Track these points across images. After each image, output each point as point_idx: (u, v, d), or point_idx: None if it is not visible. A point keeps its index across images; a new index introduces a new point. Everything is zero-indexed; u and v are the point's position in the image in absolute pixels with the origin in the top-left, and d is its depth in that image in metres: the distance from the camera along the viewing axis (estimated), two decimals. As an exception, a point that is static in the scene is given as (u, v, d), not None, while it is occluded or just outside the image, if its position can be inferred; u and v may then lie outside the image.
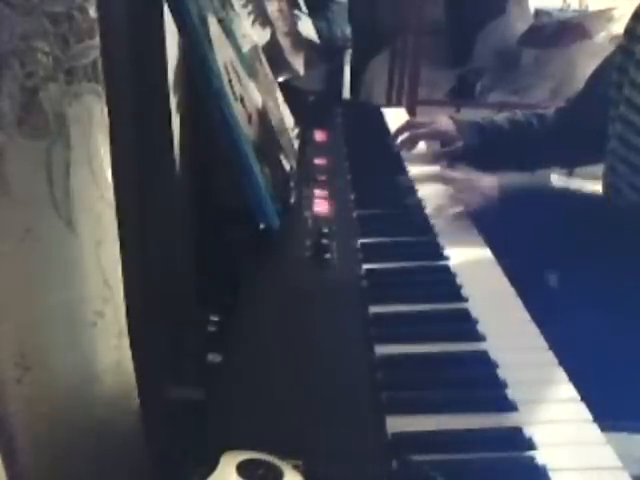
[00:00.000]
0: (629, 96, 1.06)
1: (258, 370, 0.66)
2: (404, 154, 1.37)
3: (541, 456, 0.55)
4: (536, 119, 1.34)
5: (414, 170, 1.27)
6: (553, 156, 1.39)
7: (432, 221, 1.02)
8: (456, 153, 1.35)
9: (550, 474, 0.54)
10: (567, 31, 2.89)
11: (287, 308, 0.77)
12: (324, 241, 0.87)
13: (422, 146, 1.43)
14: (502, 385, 0.64)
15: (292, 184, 1.01)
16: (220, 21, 0.91)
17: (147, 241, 0.78)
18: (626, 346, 0.95)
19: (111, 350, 0.58)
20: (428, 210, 1.07)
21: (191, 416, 0.64)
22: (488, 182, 1.07)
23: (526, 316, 0.77)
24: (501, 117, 1.37)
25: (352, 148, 1.36)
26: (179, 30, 0.80)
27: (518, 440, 0.57)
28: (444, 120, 1.40)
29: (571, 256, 1.02)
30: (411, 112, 2.44)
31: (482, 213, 1.04)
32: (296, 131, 1.22)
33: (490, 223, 1.03)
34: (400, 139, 1.39)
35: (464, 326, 0.74)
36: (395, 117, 1.67)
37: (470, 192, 1.07)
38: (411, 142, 1.39)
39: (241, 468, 0.46)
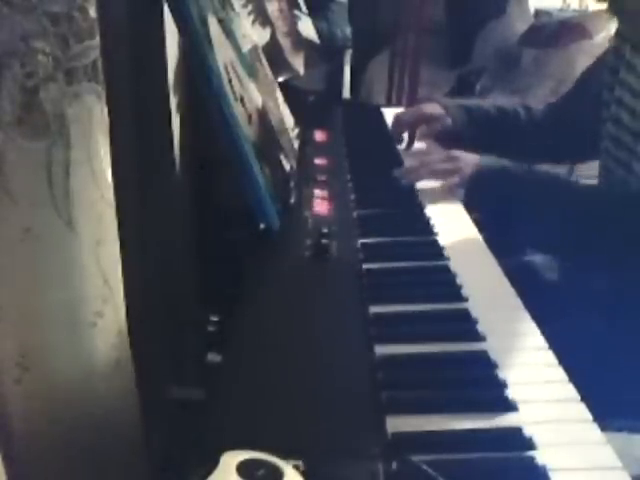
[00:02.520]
0: (620, 97, 1.07)
1: (258, 370, 0.66)
2: (403, 153, 1.38)
3: (541, 456, 0.55)
4: (523, 110, 1.35)
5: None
6: (540, 149, 1.39)
7: (431, 221, 1.02)
8: (445, 131, 1.36)
9: (550, 474, 0.54)
10: (567, 31, 2.89)
11: (287, 308, 0.77)
12: (324, 241, 0.87)
13: (421, 145, 1.44)
14: (502, 385, 0.64)
15: (292, 184, 1.01)
16: (220, 21, 0.91)
17: (147, 241, 0.78)
18: (626, 346, 0.95)
19: (111, 350, 0.58)
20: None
21: (191, 416, 0.64)
22: (470, 158, 1.10)
23: (526, 316, 0.77)
24: (488, 103, 1.39)
25: (352, 148, 1.36)
26: (179, 30, 0.80)
27: (518, 440, 0.57)
28: (429, 104, 1.41)
29: (571, 256, 1.02)
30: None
31: (484, 210, 1.05)
32: (296, 131, 1.22)
33: (490, 220, 1.03)
34: (399, 139, 1.41)
35: (464, 326, 0.74)
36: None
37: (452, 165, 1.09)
38: (405, 129, 1.41)
39: (241, 468, 0.46)
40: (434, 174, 1.13)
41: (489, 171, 1.07)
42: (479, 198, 1.07)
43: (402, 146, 1.41)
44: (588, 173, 1.68)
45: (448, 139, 1.41)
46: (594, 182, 1.23)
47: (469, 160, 1.09)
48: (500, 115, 1.35)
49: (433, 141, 1.41)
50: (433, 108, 1.39)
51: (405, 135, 1.41)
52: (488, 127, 1.35)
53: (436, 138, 1.41)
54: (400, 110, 1.53)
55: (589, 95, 1.17)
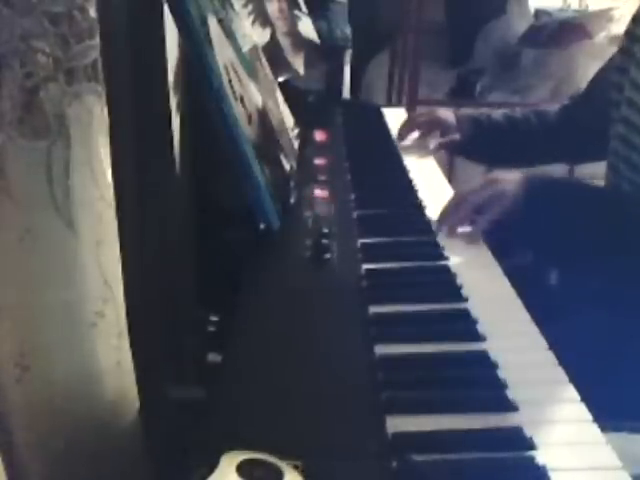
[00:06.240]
0: (630, 97, 1.07)
1: (258, 370, 0.66)
2: (402, 147, 1.39)
3: (541, 456, 0.55)
4: (534, 116, 1.37)
5: (412, 164, 1.28)
6: (552, 152, 1.40)
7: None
8: (453, 144, 1.38)
9: (550, 474, 0.54)
10: (567, 31, 2.89)
11: (287, 308, 0.77)
12: (324, 241, 0.87)
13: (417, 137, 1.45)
14: (502, 385, 0.64)
15: (292, 184, 1.01)
16: (220, 21, 0.91)
17: (147, 241, 0.78)
18: (626, 346, 0.95)
19: (111, 350, 0.58)
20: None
21: (191, 416, 0.64)
22: (511, 176, 1.01)
23: (526, 316, 0.77)
24: (498, 113, 1.41)
25: (352, 148, 1.36)
26: (179, 30, 0.80)
27: (518, 440, 0.57)
28: (445, 111, 1.43)
29: (571, 256, 1.02)
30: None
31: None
32: (296, 131, 1.22)
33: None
34: (405, 138, 1.42)
35: (464, 326, 0.74)
36: (395, 117, 1.67)
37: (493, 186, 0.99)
38: (415, 130, 1.43)
39: (241, 468, 0.46)
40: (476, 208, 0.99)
41: (536, 182, 1.00)
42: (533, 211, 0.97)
43: (403, 142, 1.43)
44: (588, 172, 1.69)
45: (455, 150, 1.43)
46: (596, 182, 1.23)
47: (510, 178, 1.00)
48: (510, 125, 1.37)
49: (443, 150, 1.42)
50: (447, 116, 1.42)
51: (411, 135, 1.43)
52: (497, 139, 1.37)
53: (445, 147, 1.43)
54: (414, 114, 1.55)
55: (602, 97, 1.17)
